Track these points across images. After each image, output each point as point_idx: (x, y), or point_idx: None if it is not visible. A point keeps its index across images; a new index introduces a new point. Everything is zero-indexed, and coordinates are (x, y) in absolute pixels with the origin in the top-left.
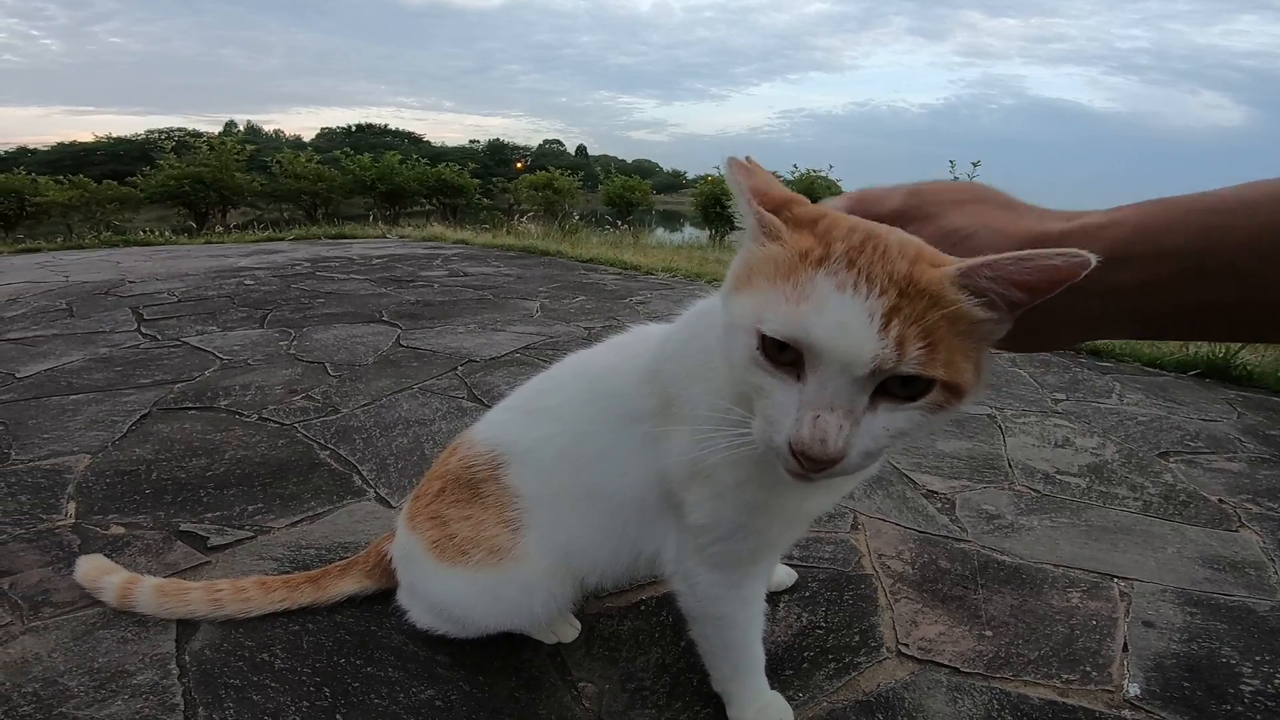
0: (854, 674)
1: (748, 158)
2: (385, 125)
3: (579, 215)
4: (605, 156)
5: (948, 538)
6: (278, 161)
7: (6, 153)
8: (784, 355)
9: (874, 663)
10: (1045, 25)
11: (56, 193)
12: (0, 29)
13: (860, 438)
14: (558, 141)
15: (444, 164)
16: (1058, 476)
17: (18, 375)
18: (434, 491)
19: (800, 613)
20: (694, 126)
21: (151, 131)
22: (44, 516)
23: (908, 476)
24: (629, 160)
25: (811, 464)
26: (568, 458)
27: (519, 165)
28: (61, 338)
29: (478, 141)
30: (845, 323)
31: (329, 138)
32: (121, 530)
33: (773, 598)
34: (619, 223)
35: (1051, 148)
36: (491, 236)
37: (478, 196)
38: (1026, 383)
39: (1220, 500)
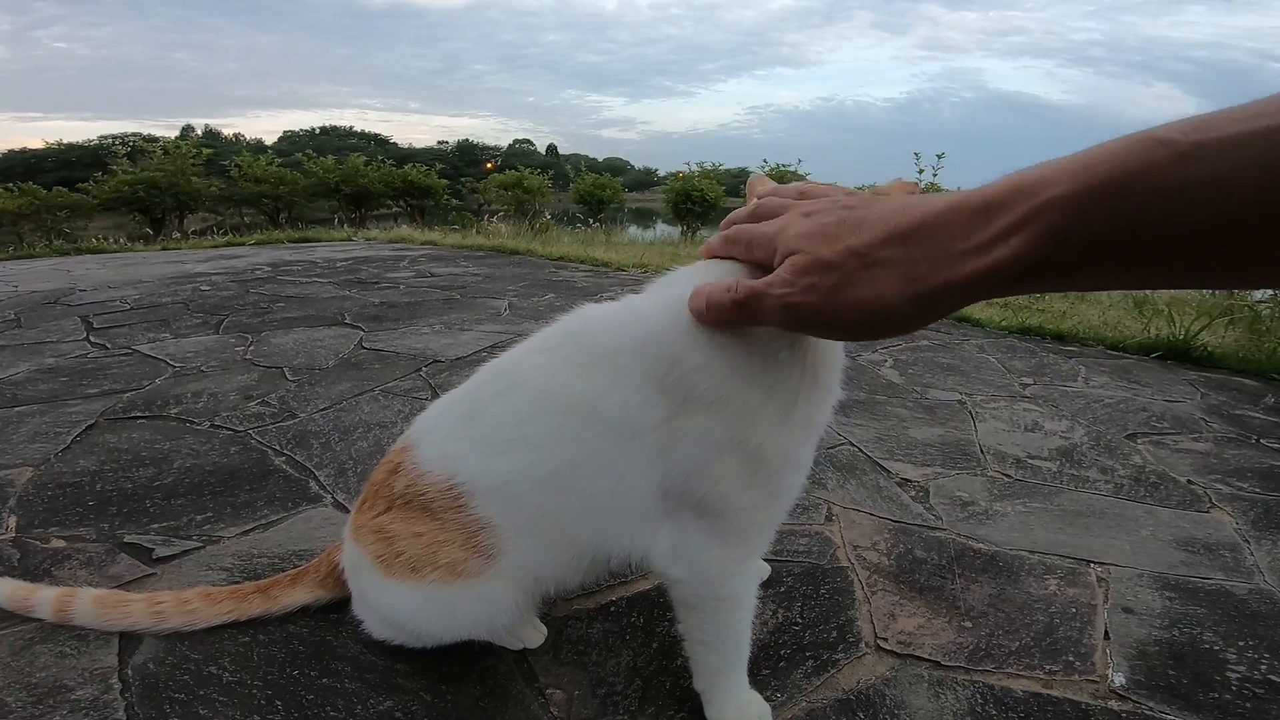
0: (833, 671)
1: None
2: (350, 127)
3: (550, 214)
4: (576, 155)
5: (923, 526)
6: (236, 165)
7: None
8: None
9: (853, 659)
10: (1003, 18)
11: (5, 200)
12: None
13: None
14: (528, 141)
15: (410, 165)
16: (1029, 461)
17: None
18: (378, 509)
19: (776, 609)
20: (664, 124)
21: (105, 137)
22: None
23: (880, 465)
24: (600, 159)
25: None
26: (551, 486)
27: (489, 166)
28: (7, 349)
29: (446, 142)
30: None
31: (292, 140)
32: (63, 544)
33: None
34: (591, 221)
35: (1011, 140)
36: (461, 237)
37: (446, 197)
38: (994, 368)
39: (1189, 481)
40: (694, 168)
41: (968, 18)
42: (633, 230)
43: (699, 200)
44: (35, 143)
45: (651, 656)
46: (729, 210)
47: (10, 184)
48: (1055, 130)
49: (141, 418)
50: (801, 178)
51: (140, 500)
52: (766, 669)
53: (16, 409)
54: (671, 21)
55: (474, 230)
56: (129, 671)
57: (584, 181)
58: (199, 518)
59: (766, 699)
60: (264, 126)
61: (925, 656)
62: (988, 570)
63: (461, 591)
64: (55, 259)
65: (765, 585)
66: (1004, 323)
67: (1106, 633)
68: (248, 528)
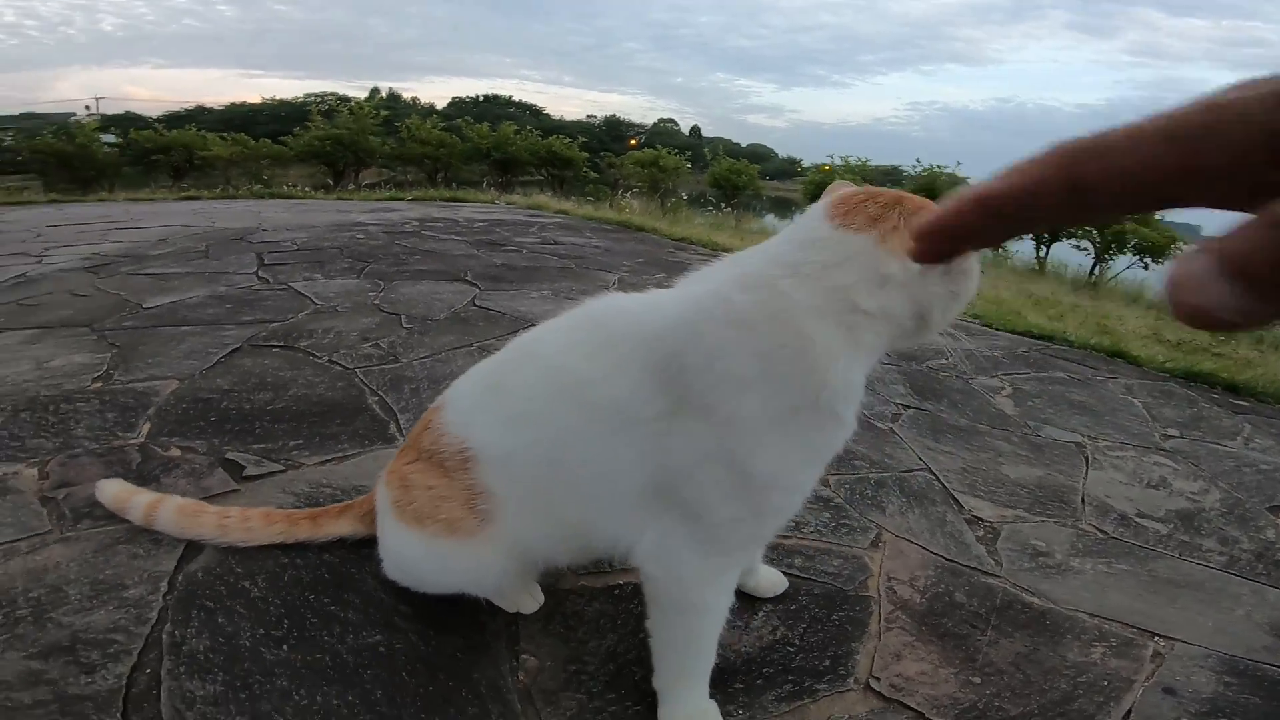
0: (807, 700)
1: None
2: (510, 97)
3: (686, 195)
4: (719, 139)
5: (976, 569)
6: (406, 127)
7: (187, 110)
8: None
9: (835, 692)
10: (1239, 28)
11: (220, 148)
12: None
13: None
14: (672, 121)
15: (555, 136)
16: (1136, 519)
17: (145, 306)
18: (409, 459)
19: (778, 625)
20: (813, 114)
21: (309, 95)
22: (120, 435)
23: (954, 498)
24: (743, 144)
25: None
26: (547, 463)
27: (632, 142)
28: (192, 276)
29: (594, 117)
30: None
31: (459, 106)
32: (178, 453)
33: (754, 603)
34: (723, 206)
35: None
36: (593, 209)
37: (586, 169)
38: (1135, 413)
39: None
40: (838, 161)
41: (1194, 25)
42: (768, 219)
43: None
44: (254, 98)
45: (634, 645)
46: None
47: (225, 134)
48: None
49: (277, 347)
50: (962, 180)
51: (251, 421)
52: (741, 682)
53: (183, 328)
54: (829, 9)
55: (608, 204)
56: (179, 578)
57: (720, 166)
58: (292, 443)
59: (728, 713)
60: (436, 92)
61: (912, 705)
62: (1030, 627)
63: (455, 547)
64: (251, 200)
65: (778, 600)
66: (1168, 363)
67: (1129, 711)
68: (326, 458)
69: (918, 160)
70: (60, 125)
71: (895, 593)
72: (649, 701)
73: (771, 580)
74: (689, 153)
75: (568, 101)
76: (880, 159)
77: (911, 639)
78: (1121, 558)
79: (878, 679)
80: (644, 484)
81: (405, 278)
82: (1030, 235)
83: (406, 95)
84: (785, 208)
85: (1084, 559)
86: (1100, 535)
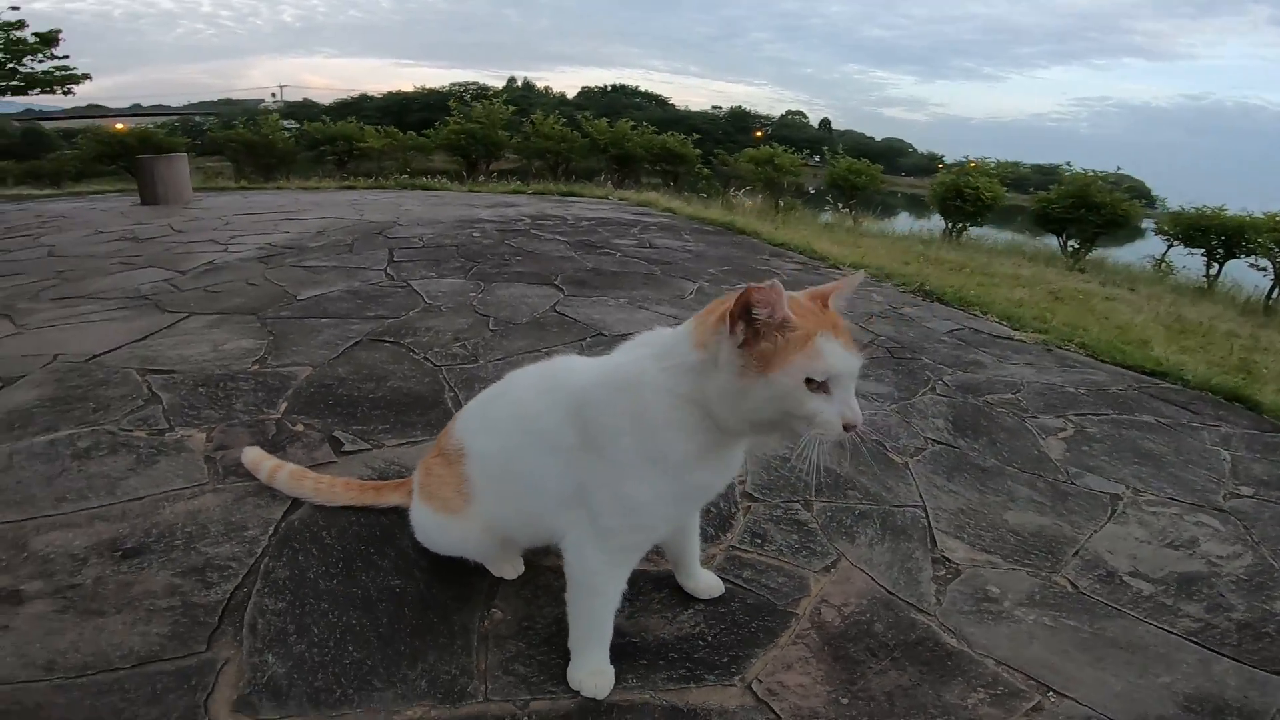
0: (692, 686)
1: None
2: (636, 87)
3: (814, 190)
4: (852, 132)
5: (911, 605)
6: (531, 122)
7: (352, 99)
8: (812, 385)
9: (719, 685)
10: None
11: (374, 140)
12: None
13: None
14: (800, 113)
15: (669, 133)
16: (1125, 577)
17: (298, 297)
18: (434, 453)
19: (700, 622)
20: (959, 108)
21: (453, 85)
22: (264, 410)
23: (933, 538)
24: (877, 138)
25: (856, 428)
26: (502, 466)
27: (758, 134)
28: (337, 269)
29: (720, 108)
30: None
31: (588, 96)
32: (301, 428)
33: (690, 602)
34: (840, 205)
35: None
36: (702, 207)
37: (699, 166)
38: (1214, 467)
39: None
40: (990, 159)
41: None
42: (902, 219)
43: (971, 198)
44: (408, 86)
45: None
46: (1007, 212)
47: (378, 126)
48: None
49: (387, 341)
50: (1136, 182)
51: (355, 406)
52: (646, 660)
53: (322, 320)
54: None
55: (719, 202)
56: (282, 525)
57: (838, 165)
58: (380, 427)
59: (625, 680)
60: (567, 81)
61: (775, 710)
62: (928, 664)
63: (448, 520)
64: (396, 191)
65: (712, 602)
66: None
67: None
68: (402, 442)
69: (1068, 163)
70: (250, 112)
71: (820, 614)
72: (567, 658)
73: (709, 584)
74: (806, 149)
75: (694, 92)
76: (1036, 157)
77: (809, 655)
78: (1075, 614)
79: (760, 682)
80: (565, 492)
81: (504, 279)
82: (1201, 249)
83: (540, 85)
84: (921, 207)
85: (1032, 609)
86: (1068, 590)
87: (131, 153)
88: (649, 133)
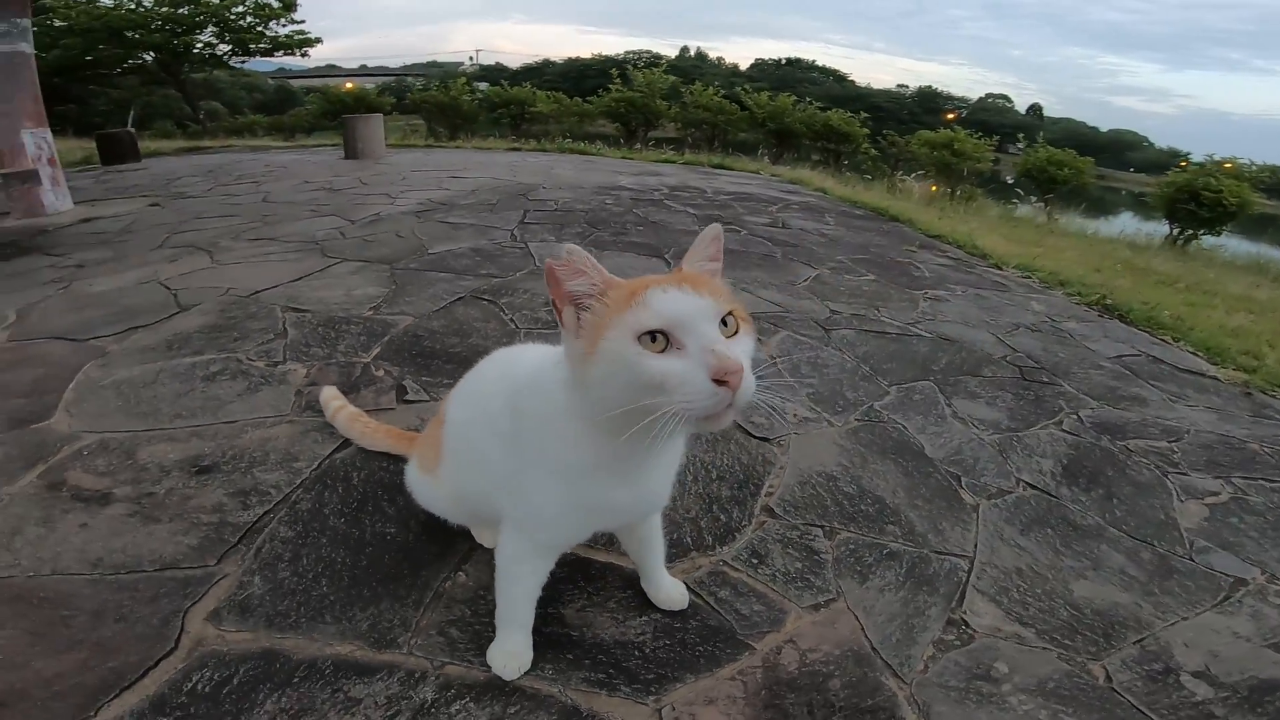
0: (603, 693)
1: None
2: (813, 61)
3: (1010, 181)
4: (1069, 120)
5: (887, 667)
6: (690, 92)
7: (536, 64)
8: (656, 344)
9: (630, 700)
10: None
11: (544, 104)
12: None
13: (738, 353)
14: (1004, 97)
15: (834, 110)
16: (1185, 675)
17: (429, 251)
18: (436, 417)
19: (645, 632)
20: (1215, 101)
21: (628, 52)
22: (359, 354)
23: (963, 596)
24: (1102, 129)
25: (734, 376)
26: (464, 438)
27: (950, 117)
28: (471, 227)
29: (906, 86)
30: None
31: (761, 68)
32: (382, 374)
33: (648, 609)
34: (1034, 199)
35: None
36: (861, 190)
37: (866, 146)
38: None
39: None
40: (1246, 160)
41: None
42: (1123, 219)
43: (1211, 202)
44: (586, 53)
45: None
46: (1259, 221)
47: (549, 91)
48: None
49: (485, 299)
50: None
51: (432, 359)
52: (573, 654)
53: (440, 274)
54: None
55: (884, 186)
56: (326, 461)
57: (1035, 155)
58: (445, 381)
59: (543, 668)
60: (740, 53)
61: None
62: None
63: (427, 478)
64: (555, 154)
65: (671, 614)
66: None
67: None
68: None
69: None
70: (449, 75)
71: (779, 654)
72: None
73: (670, 595)
74: (1009, 136)
75: (877, 69)
76: None
77: (739, 695)
78: (1086, 712)
79: (673, 710)
80: (502, 475)
81: (617, 248)
82: None
83: (713, 55)
84: (1150, 208)
85: (1033, 699)
86: (1098, 682)
87: (348, 110)
88: (812, 109)
